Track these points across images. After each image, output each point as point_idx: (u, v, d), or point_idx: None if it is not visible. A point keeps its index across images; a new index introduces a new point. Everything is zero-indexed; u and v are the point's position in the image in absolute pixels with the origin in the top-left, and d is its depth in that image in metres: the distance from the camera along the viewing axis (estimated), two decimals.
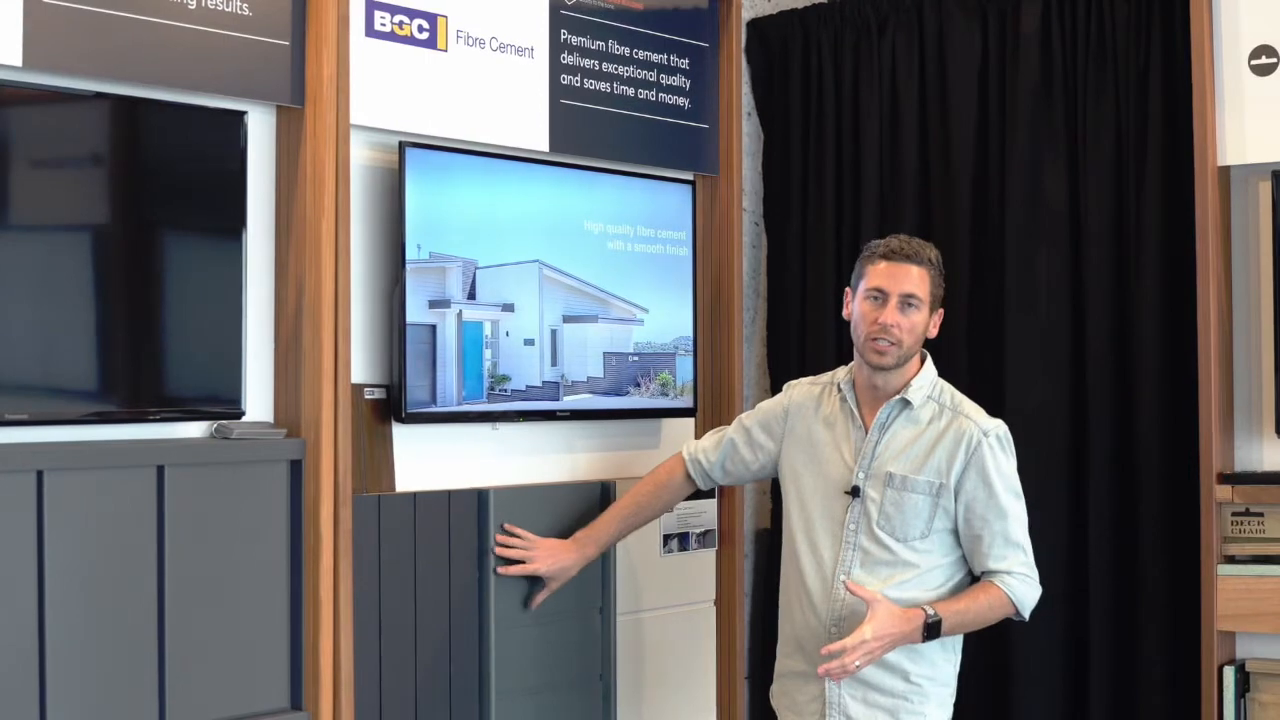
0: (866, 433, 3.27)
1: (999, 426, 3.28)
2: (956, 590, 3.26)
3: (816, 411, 3.38)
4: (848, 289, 3.32)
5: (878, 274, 3.22)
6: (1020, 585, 3.21)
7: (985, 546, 3.21)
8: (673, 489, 3.63)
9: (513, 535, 3.60)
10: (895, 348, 3.20)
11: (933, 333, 3.28)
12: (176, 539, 3.13)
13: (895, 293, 3.19)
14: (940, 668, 3.26)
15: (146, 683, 3.10)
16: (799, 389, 3.46)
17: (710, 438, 3.61)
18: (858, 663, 3.08)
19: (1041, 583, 3.26)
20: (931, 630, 3.13)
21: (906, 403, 3.26)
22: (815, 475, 3.34)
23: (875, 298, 3.21)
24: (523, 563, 3.58)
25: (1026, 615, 3.26)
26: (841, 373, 3.39)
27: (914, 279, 3.20)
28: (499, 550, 3.58)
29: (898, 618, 3.11)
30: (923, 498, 3.20)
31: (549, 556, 3.59)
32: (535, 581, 3.64)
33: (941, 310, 3.30)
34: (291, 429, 3.35)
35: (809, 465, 3.36)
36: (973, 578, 3.29)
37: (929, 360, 3.33)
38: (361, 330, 3.53)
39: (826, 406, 3.37)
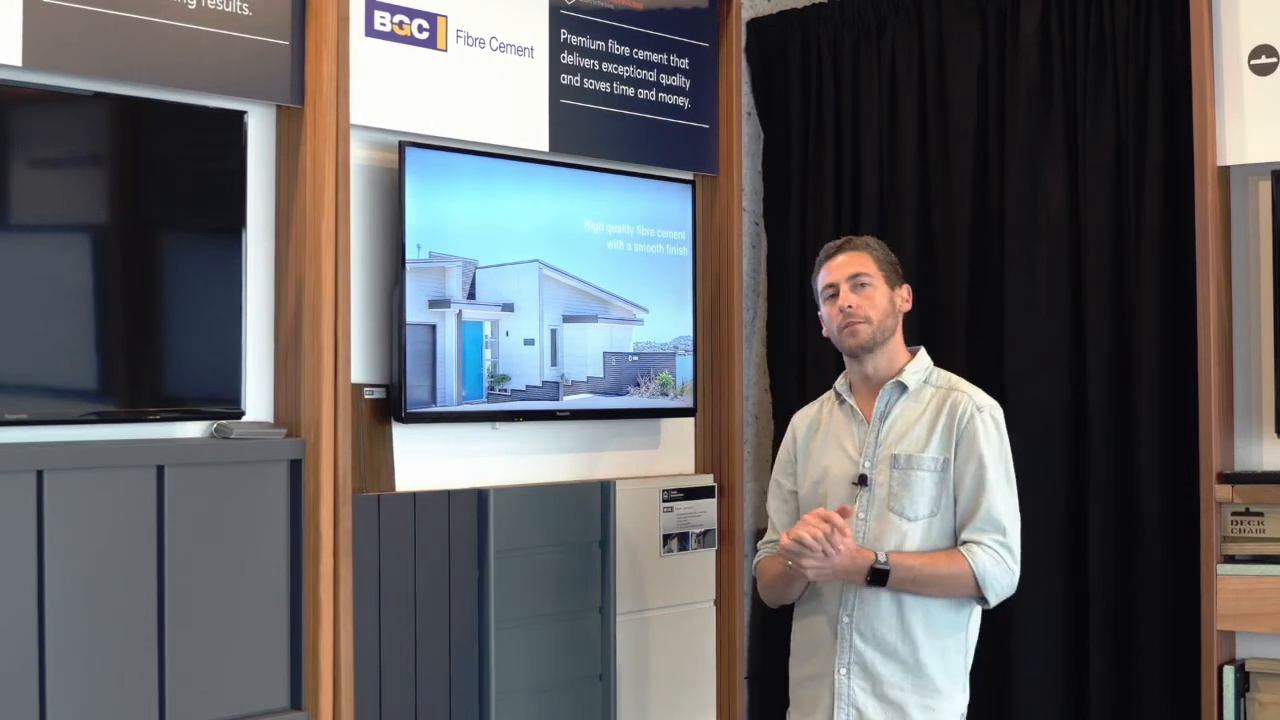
0: (869, 424, 3.30)
1: (994, 406, 3.30)
2: None
3: (816, 423, 3.42)
4: (819, 314, 3.37)
5: (825, 275, 3.34)
6: (987, 559, 3.17)
7: (966, 517, 3.21)
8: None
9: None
10: (866, 324, 3.27)
11: (905, 306, 3.34)
12: (176, 539, 3.13)
13: (843, 279, 3.29)
14: (951, 659, 3.25)
15: (146, 682, 3.10)
16: (798, 415, 3.50)
17: (768, 534, 3.44)
18: (806, 561, 3.08)
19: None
20: (876, 577, 3.13)
21: (902, 386, 3.28)
22: (824, 479, 3.36)
23: (831, 295, 3.32)
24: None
25: (991, 598, 3.19)
26: (837, 382, 3.42)
27: (855, 262, 3.31)
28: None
29: (852, 552, 3.10)
30: (928, 474, 3.22)
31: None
32: (534, 580, 3.64)
33: (907, 285, 3.35)
34: (291, 429, 3.35)
35: (821, 470, 3.38)
36: None
37: (923, 351, 3.36)
38: (361, 330, 3.53)
39: (824, 414, 3.40)
